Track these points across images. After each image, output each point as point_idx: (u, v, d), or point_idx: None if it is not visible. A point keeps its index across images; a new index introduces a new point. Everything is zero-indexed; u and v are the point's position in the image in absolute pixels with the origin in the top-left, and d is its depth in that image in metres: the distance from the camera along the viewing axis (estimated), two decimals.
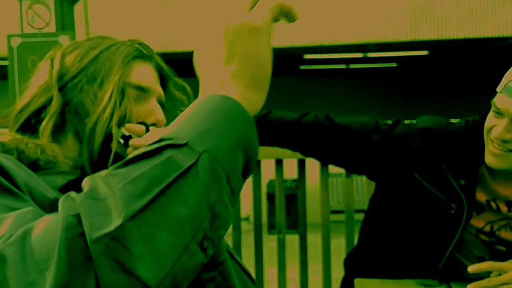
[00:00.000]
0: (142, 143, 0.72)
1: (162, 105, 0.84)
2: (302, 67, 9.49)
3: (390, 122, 1.35)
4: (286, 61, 8.49)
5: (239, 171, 0.50)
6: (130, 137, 0.75)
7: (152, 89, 0.81)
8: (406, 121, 1.35)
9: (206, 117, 0.49)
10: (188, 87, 0.89)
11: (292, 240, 2.56)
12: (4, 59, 2.82)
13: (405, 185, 1.30)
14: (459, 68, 9.22)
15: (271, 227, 5.01)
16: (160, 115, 0.81)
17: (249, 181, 2.10)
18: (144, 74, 0.81)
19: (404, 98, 9.90)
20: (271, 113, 1.39)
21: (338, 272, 1.85)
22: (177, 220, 0.45)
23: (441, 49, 7.44)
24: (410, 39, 5.74)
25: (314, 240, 2.48)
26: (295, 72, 9.63)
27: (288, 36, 5.69)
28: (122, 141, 0.75)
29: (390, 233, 1.39)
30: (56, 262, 0.41)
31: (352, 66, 9.50)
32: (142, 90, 0.80)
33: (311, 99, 9.86)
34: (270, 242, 2.84)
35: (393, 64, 9.23)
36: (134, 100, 0.79)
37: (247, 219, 5.15)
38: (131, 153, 0.52)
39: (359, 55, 8.02)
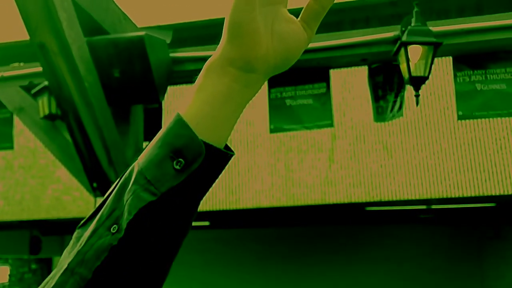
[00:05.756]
0: None
1: None
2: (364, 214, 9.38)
3: None
4: (347, 212, 8.49)
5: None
6: None
7: None
8: None
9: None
10: None
11: None
12: None
13: None
14: None
15: None
16: None
17: None
18: None
19: (478, 249, 9.34)
20: None
21: None
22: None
23: (508, 202, 7.19)
24: (474, 194, 5.65)
25: None
26: (357, 221, 9.51)
27: (348, 193, 5.78)
28: None
29: None
30: None
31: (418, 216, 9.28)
32: None
33: (375, 248, 9.54)
34: None
35: (461, 214, 8.92)
36: None
37: None
38: None
39: (422, 207, 7.87)
